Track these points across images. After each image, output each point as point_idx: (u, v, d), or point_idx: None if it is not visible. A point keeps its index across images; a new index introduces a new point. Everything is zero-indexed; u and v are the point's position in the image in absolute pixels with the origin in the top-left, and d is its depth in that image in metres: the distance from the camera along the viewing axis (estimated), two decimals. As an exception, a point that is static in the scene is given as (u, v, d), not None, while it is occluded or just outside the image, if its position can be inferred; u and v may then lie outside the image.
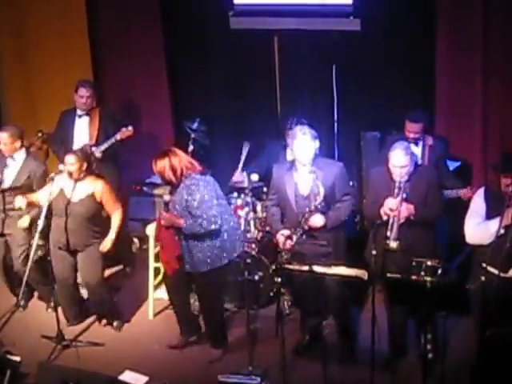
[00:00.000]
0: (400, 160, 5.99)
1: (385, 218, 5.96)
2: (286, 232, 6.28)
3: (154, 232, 6.86)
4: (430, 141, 7.10)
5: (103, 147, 7.85)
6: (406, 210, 5.95)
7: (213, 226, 6.18)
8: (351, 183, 6.87)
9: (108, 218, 6.87)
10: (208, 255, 6.28)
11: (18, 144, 7.08)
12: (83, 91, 7.89)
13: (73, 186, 6.70)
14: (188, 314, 6.75)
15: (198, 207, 6.13)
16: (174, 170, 6.16)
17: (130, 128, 7.90)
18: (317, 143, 6.21)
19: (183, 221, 6.16)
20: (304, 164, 6.19)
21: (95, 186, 6.73)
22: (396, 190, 5.95)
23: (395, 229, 5.90)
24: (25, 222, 6.98)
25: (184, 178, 6.19)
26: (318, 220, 6.19)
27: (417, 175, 6.07)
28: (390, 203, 5.96)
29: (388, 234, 5.91)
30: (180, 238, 6.28)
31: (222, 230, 6.30)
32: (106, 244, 6.78)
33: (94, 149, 7.73)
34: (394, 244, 5.90)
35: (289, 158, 7.53)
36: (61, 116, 8.16)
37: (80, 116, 8.00)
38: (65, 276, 6.89)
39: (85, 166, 6.69)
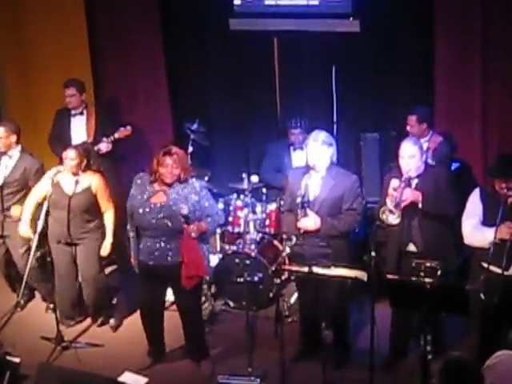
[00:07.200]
0: (408, 149, 5.96)
1: (389, 203, 5.83)
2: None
3: None
4: (435, 142, 7.08)
5: (108, 140, 7.83)
6: (411, 192, 5.88)
7: (223, 219, 6.42)
8: (363, 201, 6.53)
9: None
10: (208, 260, 6.26)
11: (13, 139, 7.08)
12: (67, 91, 7.94)
13: (71, 181, 6.72)
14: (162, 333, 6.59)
15: (208, 206, 6.08)
16: (185, 166, 6.08)
17: (129, 127, 7.93)
18: (331, 150, 6.09)
19: (205, 223, 6.03)
20: (315, 170, 6.11)
21: (92, 180, 6.77)
22: (402, 183, 5.88)
23: (396, 203, 5.79)
24: (17, 211, 7.01)
25: (188, 178, 6.10)
26: (308, 222, 6.07)
27: (425, 174, 6.03)
28: (394, 183, 5.90)
29: (389, 205, 5.80)
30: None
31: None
32: (106, 248, 6.87)
33: (104, 140, 7.78)
34: (390, 217, 5.78)
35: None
36: (56, 115, 8.20)
37: (74, 115, 8.02)
38: (66, 270, 6.93)
39: (84, 162, 6.73)
